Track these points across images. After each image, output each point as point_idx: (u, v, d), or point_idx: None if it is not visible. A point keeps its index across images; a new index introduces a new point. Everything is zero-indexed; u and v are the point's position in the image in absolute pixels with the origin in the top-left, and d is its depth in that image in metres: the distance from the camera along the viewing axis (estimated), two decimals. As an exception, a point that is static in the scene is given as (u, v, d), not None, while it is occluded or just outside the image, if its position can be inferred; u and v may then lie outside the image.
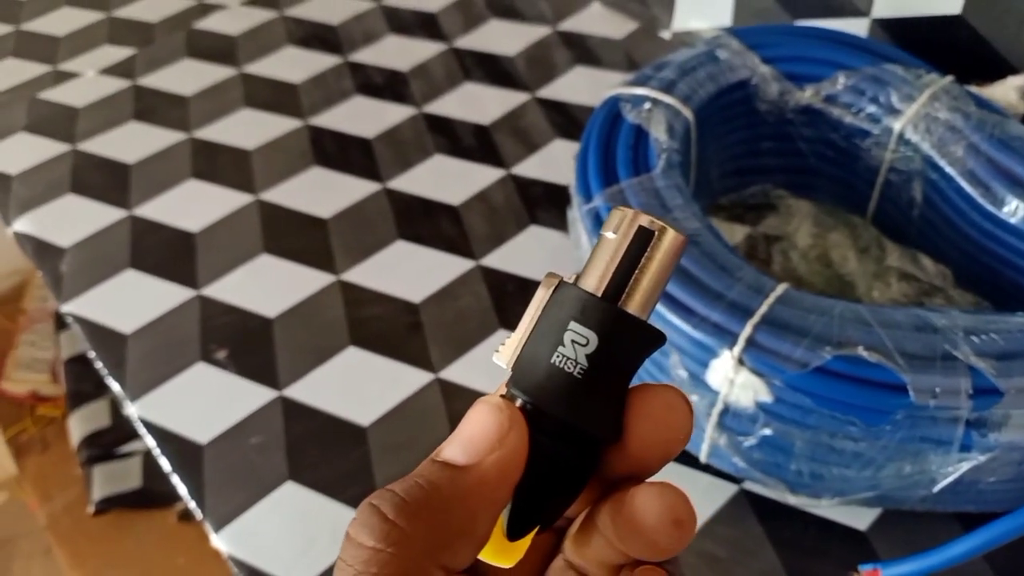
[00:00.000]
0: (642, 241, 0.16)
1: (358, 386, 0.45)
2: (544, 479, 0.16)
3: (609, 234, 0.17)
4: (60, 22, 0.80)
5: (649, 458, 0.17)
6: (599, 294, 0.16)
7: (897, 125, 0.42)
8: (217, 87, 0.69)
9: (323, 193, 0.57)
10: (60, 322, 1.03)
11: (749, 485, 0.39)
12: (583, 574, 0.18)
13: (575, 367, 0.16)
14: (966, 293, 0.43)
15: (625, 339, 0.16)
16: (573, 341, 0.16)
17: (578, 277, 0.17)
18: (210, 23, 0.77)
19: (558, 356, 0.16)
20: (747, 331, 0.33)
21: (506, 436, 0.16)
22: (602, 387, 0.16)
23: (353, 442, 0.43)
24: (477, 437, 0.16)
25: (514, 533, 0.17)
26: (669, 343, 0.36)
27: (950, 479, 0.33)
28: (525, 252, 0.52)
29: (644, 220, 0.16)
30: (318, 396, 0.45)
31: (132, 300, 0.52)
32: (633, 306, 0.16)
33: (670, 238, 0.16)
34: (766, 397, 0.33)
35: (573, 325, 0.16)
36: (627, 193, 0.39)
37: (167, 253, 0.55)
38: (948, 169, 0.41)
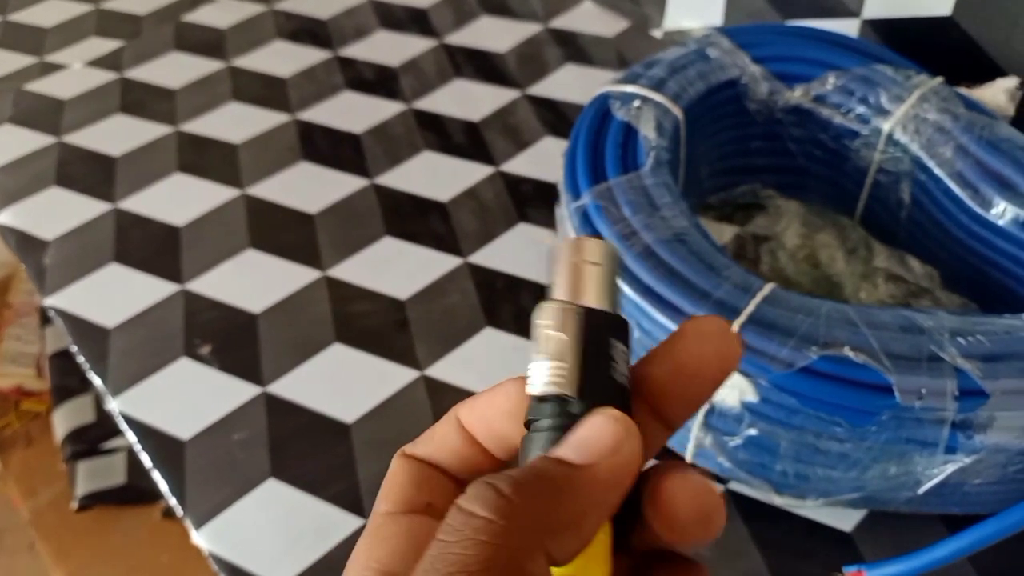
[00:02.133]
0: (616, 266, 0.19)
1: (343, 383, 0.45)
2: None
3: (592, 263, 0.19)
4: (47, 13, 0.80)
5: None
6: (613, 311, 0.18)
7: (886, 126, 0.42)
8: (205, 80, 0.68)
9: (311, 188, 0.57)
10: (46, 317, 1.02)
11: (734, 485, 0.38)
12: None
13: (625, 379, 0.18)
14: (953, 295, 0.43)
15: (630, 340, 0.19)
16: (621, 358, 0.18)
17: (577, 298, 0.19)
18: (199, 16, 0.76)
19: (614, 371, 0.18)
20: (734, 330, 0.33)
21: (622, 444, 0.16)
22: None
23: (337, 439, 0.43)
24: (593, 441, 0.16)
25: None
26: (655, 342, 0.35)
27: (935, 481, 0.33)
28: (514, 250, 0.51)
29: (614, 249, 0.19)
30: (303, 393, 0.45)
31: (116, 294, 0.51)
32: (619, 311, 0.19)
33: (617, 254, 0.19)
34: (752, 397, 0.33)
35: (614, 342, 0.18)
36: (615, 191, 0.39)
37: (152, 247, 0.54)
38: (936, 170, 0.41)
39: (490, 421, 0.18)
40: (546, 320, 0.18)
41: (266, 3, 0.77)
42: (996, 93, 0.46)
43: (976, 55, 0.49)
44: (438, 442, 0.19)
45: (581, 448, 0.16)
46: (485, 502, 0.15)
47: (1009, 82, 0.46)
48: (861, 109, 0.43)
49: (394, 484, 0.19)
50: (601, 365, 0.18)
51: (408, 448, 0.19)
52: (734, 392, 0.33)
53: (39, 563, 0.92)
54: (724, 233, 0.48)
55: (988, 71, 0.48)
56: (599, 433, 0.16)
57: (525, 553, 0.15)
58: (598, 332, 0.18)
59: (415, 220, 0.54)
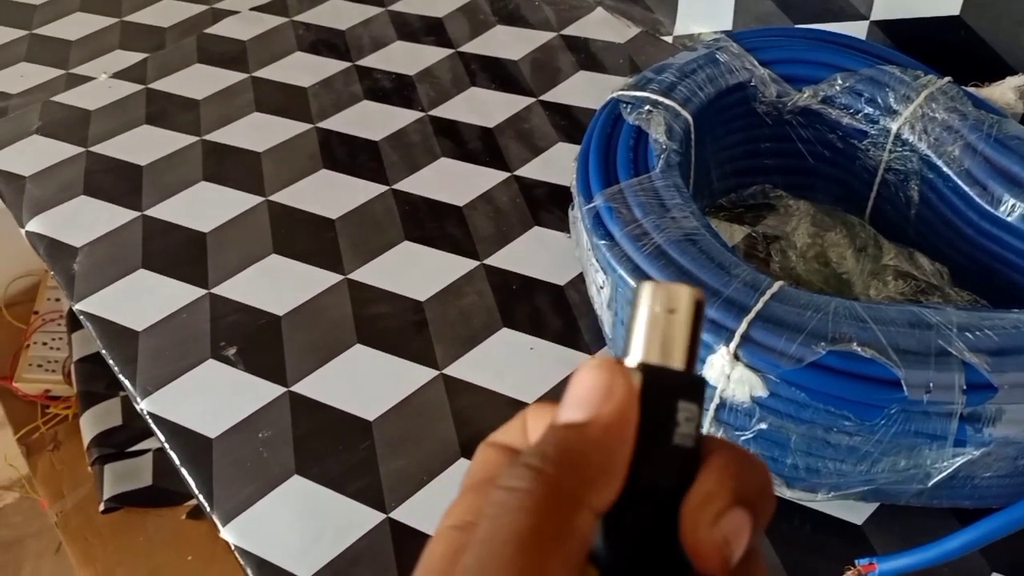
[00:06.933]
0: (699, 313, 0.18)
1: (364, 382, 0.46)
2: (654, 540, 0.17)
3: (670, 310, 0.18)
4: (73, 27, 0.82)
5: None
6: (684, 368, 0.18)
7: (894, 126, 0.43)
8: (228, 91, 0.70)
9: (331, 195, 0.58)
10: (73, 322, 1.04)
11: (747, 480, 0.39)
12: None
13: (691, 440, 0.17)
14: (963, 292, 0.43)
15: (703, 399, 0.18)
16: (687, 419, 0.17)
17: (645, 356, 0.18)
18: (221, 28, 0.78)
19: (677, 436, 0.17)
20: (743, 327, 0.34)
21: (613, 387, 0.17)
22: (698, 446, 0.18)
23: (359, 436, 0.44)
24: (586, 396, 0.17)
25: None
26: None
27: (945, 473, 0.34)
28: (529, 252, 0.52)
29: (697, 294, 0.18)
30: (325, 392, 0.46)
31: (144, 299, 0.53)
32: (694, 368, 0.18)
33: (702, 301, 0.18)
34: (762, 392, 0.34)
35: (682, 404, 0.17)
36: (627, 193, 0.40)
37: (178, 253, 0.56)
38: (945, 169, 0.41)
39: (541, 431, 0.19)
40: None
41: (286, 15, 0.79)
42: (1005, 91, 0.46)
43: (985, 54, 0.50)
44: (504, 433, 0.20)
45: (579, 406, 0.17)
46: (522, 476, 0.16)
47: (1018, 80, 0.47)
48: (869, 109, 0.44)
49: (472, 464, 0.20)
50: (660, 431, 0.17)
51: (488, 437, 0.21)
52: (744, 387, 0.34)
53: (65, 565, 0.94)
54: (735, 233, 0.49)
55: (997, 69, 0.49)
56: (589, 387, 0.17)
57: (570, 511, 0.16)
58: (661, 395, 0.17)
59: (432, 224, 0.55)
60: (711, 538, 0.16)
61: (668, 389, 0.18)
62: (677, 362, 0.18)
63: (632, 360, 0.18)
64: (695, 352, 0.18)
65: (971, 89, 0.44)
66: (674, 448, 0.17)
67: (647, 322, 0.18)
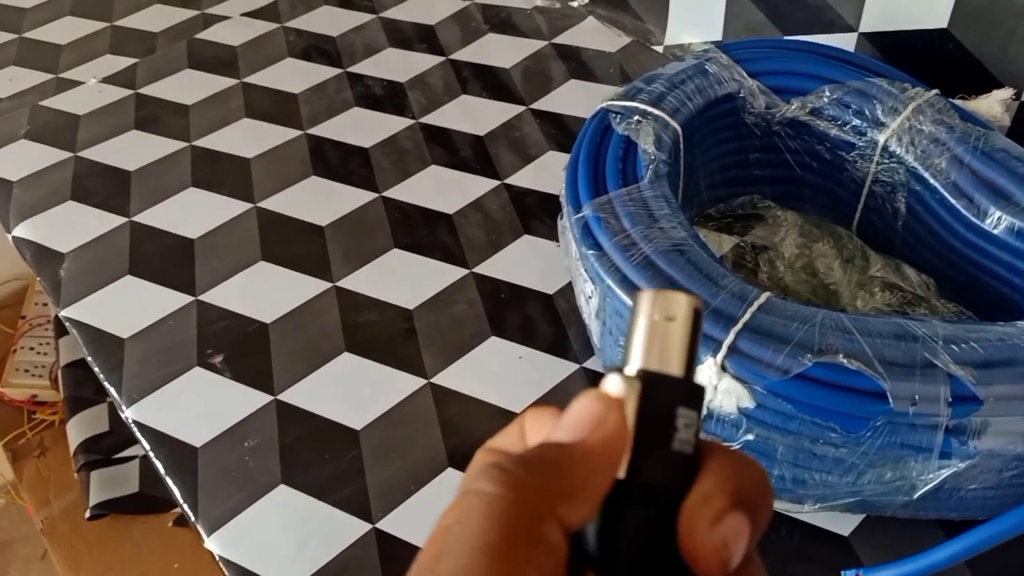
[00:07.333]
0: (698, 321, 0.18)
1: (352, 390, 0.46)
2: (655, 547, 0.17)
3: (668, 318, 0.18)
4: (62, 31, 0.81)
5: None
6: (682, 375, 0.18)
7: (882, 138, 0.43)
8: (218, 97, 0.70)
9: (321, 201, 0.58)
10: (60, 328, 1.03)
11: (734, 490, 0.39)
12: None
13: (690, 446, 0.18)
14: (949, 303, 0.44)
15: (702, 405, 0.18)
16: (686, 425, 0.18)
17: (643, 363, 0.18)
18: (211, 34, 0.78)
19: (676, 442, 0.17)
20: (730, 338, 0.34)
21: (605, 418, 0.17)
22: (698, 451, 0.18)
23: (346, 445, 0.43)
24: (579, 421, 0.17)
25: None
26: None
27: (930, 486, 0.34)
28: (518, 260, 0.52)
29: (695, 302, 0.18)
30: (312, 400, 0.46)
31: (130, 305, 0.53)
32: (693, 375, 0.18)
33: (700, 309, 0.18)
34: (748, 403, 0.34)
35: (681, 411, 0.17)
36: (615, 203, 0.40)
37: (166, 259, 0.55)
38: (932, 181, 0.42)
39: (544, 436, 0.19)
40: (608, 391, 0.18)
41: (277, 21, 0.78)
42: (992, 104, 0.47)
43: (972, 66, 0.50)
44: (502, 437, 0.20)
45: (570, 431, 0.17)
46: (492, 479, 0.16)
47: (1004, 93, 0.47)
48: (857, 121, 0.44)
49: (468, 469, 0.20)
50: (659, 436, 0.17)
51: (487, 442, 0.20)
52: (731, 398, 0.34)
53: (51, 572, 0.93)
54: (724, 243, 0.49)
55: (984, 82, 0.49)
56: (584, 415, 0.17)
57: (538, 520, 0.16)
58: (661, 401, 0.18)
59: (422, 232, 0.55)
60: (710, 541, 0.16)
61: (667, 396, 0.18)
62: (676, 369, 0.18)
63: (632, 367, 0.18)
64: (694, 359, 0.18)
65: (958, 102, 0.45)
66: (673, 454, 0.17)
67: (646, 329, 0.18)
